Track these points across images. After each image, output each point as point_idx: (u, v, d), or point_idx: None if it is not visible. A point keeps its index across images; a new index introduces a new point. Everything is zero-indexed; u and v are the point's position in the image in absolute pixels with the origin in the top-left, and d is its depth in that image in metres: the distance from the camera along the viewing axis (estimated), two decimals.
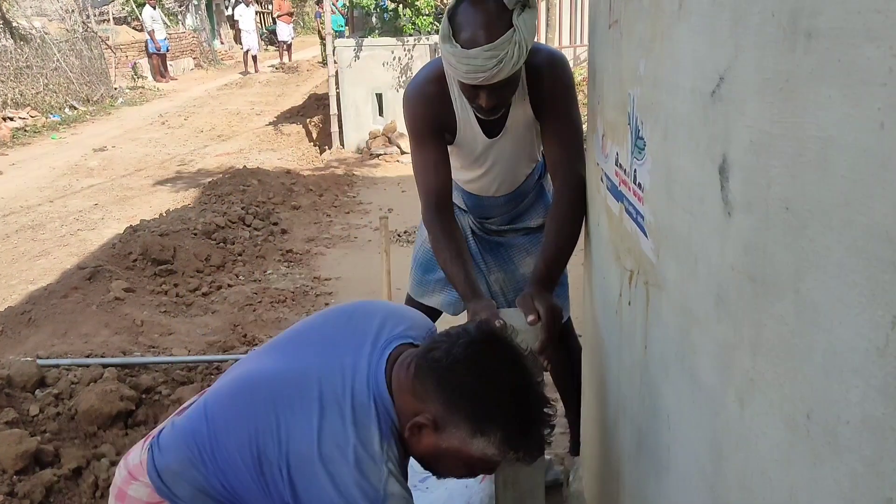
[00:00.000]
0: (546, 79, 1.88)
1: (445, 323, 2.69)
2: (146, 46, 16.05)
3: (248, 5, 17.99)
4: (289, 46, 18.99)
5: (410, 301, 2.41)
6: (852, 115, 0.58)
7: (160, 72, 16.23)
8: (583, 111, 1.96)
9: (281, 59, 18.78)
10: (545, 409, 1.25)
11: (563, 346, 2.29)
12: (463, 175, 2.13)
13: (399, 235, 5.50)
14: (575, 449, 2.51)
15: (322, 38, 18.91)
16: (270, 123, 10.75)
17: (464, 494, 2.19)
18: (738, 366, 0.83)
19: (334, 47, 8.91)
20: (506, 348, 1.27)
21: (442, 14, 8.77)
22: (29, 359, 3.14)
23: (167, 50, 16.30)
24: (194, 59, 18.44)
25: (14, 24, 12.09)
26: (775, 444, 0.74)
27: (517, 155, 2.05)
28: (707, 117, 0.90)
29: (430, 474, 2.24)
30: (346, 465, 1.21)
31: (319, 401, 1.25)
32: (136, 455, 1.38)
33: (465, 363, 1.22)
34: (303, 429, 1.24)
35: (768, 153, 0.72)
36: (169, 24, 17.21)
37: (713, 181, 0.87)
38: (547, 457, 2.38)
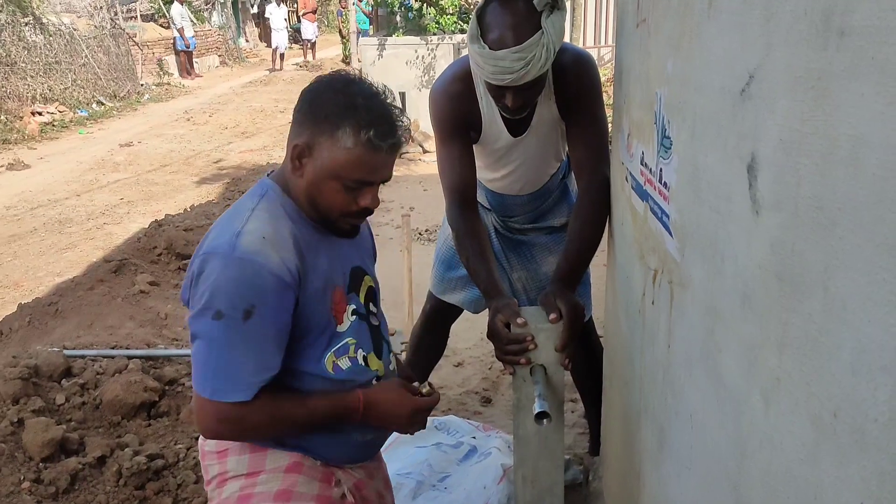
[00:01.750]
0: (573, 78, 1.88)
1: (467, 321, 2.71)
2: (174, 43, 16.22)
3: (279, 4, 18.11)
4: (313, 45, 19.08)
5: (432, 298, 2.42)
6: (885, 113, 0.58)
7: (186, 69, 16.39)
8: (608, 112, 1.95)
9: (305, 57, 18.87)
10: (394, 112, 1.35)
11: (584, 345, 2.29)
12: (487, 174, 2.13)
13: (420, 234, 5.51)
14: (594, 449, 2.51)
15: (343, 37, 19.06)
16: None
17: (483, 495, 2.19)
18: (763, 364, 0.83)
19: (358, 46, 8.95)
20: (349, 74, 1.39)
21: (466, 13, 8.80)
22: (56, 349, 3.19)
23: (194, 47, 16.46)
24: (219, 56, 18.59)
25: (44, 20, 12.27)
26: (801, 443, 0.74)
27: (542, 154, 2.05)
28: (736, 116, 0.90)
29: (450, 474, 2.28)
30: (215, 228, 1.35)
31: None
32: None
33: (322, 85, 1.35)
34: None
35: (798, 151, 0.72)
36: (196, 21, 17.36)
37: (741, 180, 0.87)
38: (566, 456, 2.38)
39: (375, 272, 1.60)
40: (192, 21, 16.49)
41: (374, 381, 1.46)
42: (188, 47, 16.12)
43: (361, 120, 1.29)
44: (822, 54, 0.67)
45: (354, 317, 1.44)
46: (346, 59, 17.31)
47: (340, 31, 18.88)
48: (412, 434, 1.52)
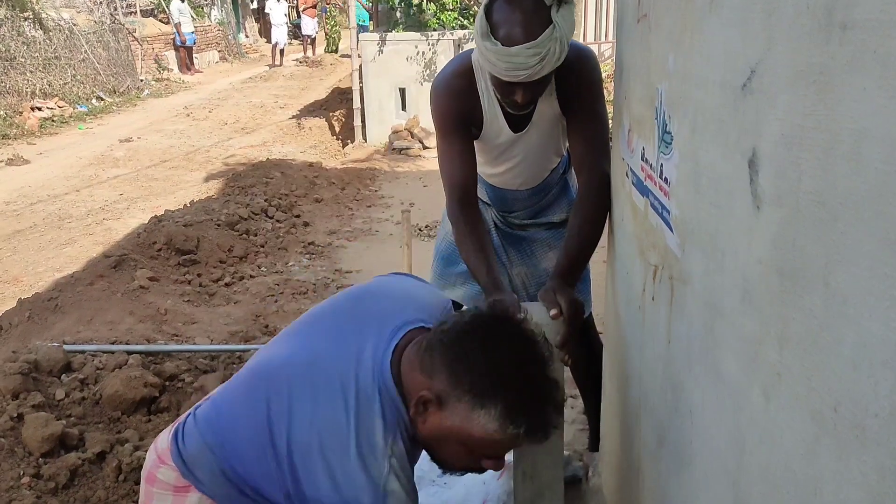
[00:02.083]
0: (574, 74, 1.87)
1: None
2: (173, 39, 16.20)
3: (279, 0, 18.09)
4: (313, 41, 19.06)
5: None
6: (888, 107, 0.57)
7: (186, 64, 16.37)
8: (609, 108, 1.95)
9: (305, 52, 18.86)
10: (552, 389, 1.20)
11: (583, 342, 2.29)
12: (487, 169, 2.13)
13: (420, 230, 5.51)
14: (594, 445, 2.51)
15: (327, 34, 19.02)
16: (294, 117, 10.81)
17: (482, 491, 2.19)
18: (763, 360, 0.83)
19: (358, 41, 8.94)
20: (516, 326, 1.23)
21: (467, 9, 8.78)
22: (55, 344, 3.19)
23: (193, 43, 16.43)
24: (219, 52, 18.58)
25: (43, 15, 12.25)
26: (801, 438, 0.74)
27: (543, 149, 2.05)
28: (737, 111, 0.89)
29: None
30: (346, 456, 1.19)
31: (326, 389, 1.24)
32: (165, 440, 1.40)
33: (472, 334, 1.19)
34: (306, 417, 1.23)
35: (800, 146, 0.72)
36: (196, 17, 17.34)
37: (742, 175, 0.87)
38: (566, 452, 2.38)
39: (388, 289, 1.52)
40: (191, 17, 16.47)
41: None
42: (185, 43, 16.10)
43: (512, 412, 1.13)
44: (825, 48, 0.67)
45: None
46: (305, 59, 17.32)
47: (326, 31, 18.90)
48: None
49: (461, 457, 1.23)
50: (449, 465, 1.29)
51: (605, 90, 2.02)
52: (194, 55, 16.74)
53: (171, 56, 16.39)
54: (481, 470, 1.27)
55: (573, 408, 2.93)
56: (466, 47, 7.87)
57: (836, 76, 0.65)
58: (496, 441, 1.17)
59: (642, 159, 1.46)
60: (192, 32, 16.28)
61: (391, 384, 1.24)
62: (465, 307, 2.40)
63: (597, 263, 2.04)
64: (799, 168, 0.72)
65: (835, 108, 0.65)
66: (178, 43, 16.11)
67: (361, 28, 10.94)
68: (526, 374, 1.17)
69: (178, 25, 15.80)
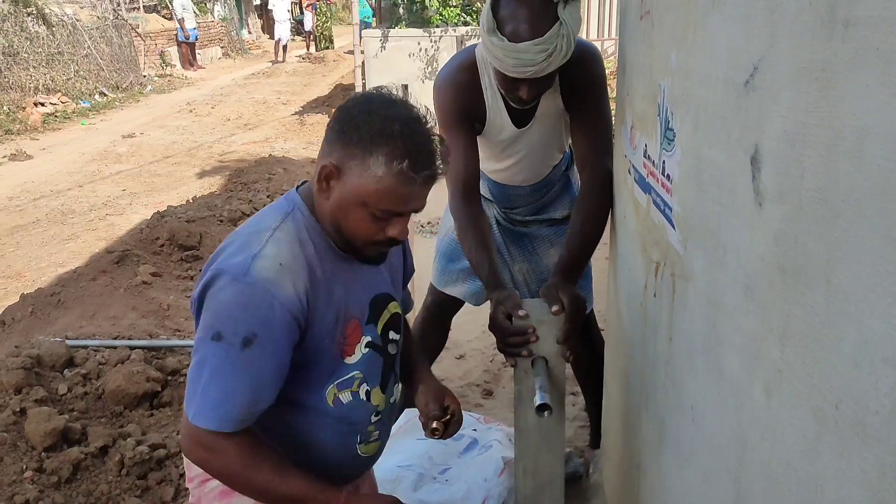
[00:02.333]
0: (578, 71, 1.87)
1: (468, 313, 2.71)
2: (176, 35, 16.20)
3: None
4: (315, 38, 19.05)
5: (434, 290, 2.42)
6: (890, 104, 0.57)
7: (189, 60, 16.36)
8: (612, 105, 1.95)
9: (308, 48, 18.84)
10: (432, 137, 1.26)
11: (584, 338, 2.29)
12: (490, 164, 2.13)
13: (422, 226, 5.51)
14: (595, 442, 2.51)
15: (315, 34, 18.97)
16: (296, 113, 10.81)
17: (483, 488, 2.19)
18: (765, 357, 0.83)
19: (361, 37, 8.93)
20: (393, 96, 1.29)
21: (470, 5, 8.75)
22: (58, 339, 3.20)
23: (196, 39, 16.42)
24: (222, 48, 18.56)
25: (46, 10, 12.25)
26: (802, 435, 0.74)
27: (545, 145, 2.05)
28: (740, 107, 0.89)
29: (450, 467, 2.28)
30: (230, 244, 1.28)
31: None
32: None
33: (357, 105, 1.26)
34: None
35: (802, 143, 0.72)
36: (198, 13, 17.33)
37: (744, 172, 0.87)
38: (567, 449, 2.38)
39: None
40: (194, 12, 16.45)
41: (372, 417, 1.41)
42: (188, 39, 16.09)
43: (396, 149, 1.20)
44: (827, 45, 0.67)
45: (368, 349, 1.38)
46: (316, 52, 17.28)
47: (310, 33, 18.85)
48: None
49: (364, 223, 1.26)
50: (355, 238, 1.30)
51: (609, 87, 2.02)
52: (197, 51, 16.73)
53: (173, 52, 16.38)
54: (387, 242, 1.30)
55: (574, 405, 2.94)
56: (469, 44, 7.83)
57: (838, 73, 0.65)
58: (389, 188, 1.22)
59: (644, 156, 1.46)
60: (195, 28, 16.27)
61: (300, 201, 1.32)
62: (465, 304, 2.42)
63: (598, 260, 2.04)
64: (801, 165, 0.72)
65: (837, 104, 0.65)
66: (182, 38, 16.10)
67: (364, 24, 10.91)
68: (408, 126, 1.23)
69: (181, 21, 15.79)
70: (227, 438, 1.23)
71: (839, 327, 0.66)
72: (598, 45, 10.62)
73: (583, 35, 10.91)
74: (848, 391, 0.65)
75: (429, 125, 1.27)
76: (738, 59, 0.90)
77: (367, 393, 1.38)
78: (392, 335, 1.44)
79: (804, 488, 0.74)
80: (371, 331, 1.38)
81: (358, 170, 1.22)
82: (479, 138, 2.00)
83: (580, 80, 1.88)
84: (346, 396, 1.36)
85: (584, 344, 2.30)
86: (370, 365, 1.38)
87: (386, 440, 1.53)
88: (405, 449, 2.34)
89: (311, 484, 1.28)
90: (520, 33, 1.67)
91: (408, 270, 1.58)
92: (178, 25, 15.95)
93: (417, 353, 1.64)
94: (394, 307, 1.45)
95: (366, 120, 1.22)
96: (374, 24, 10.19)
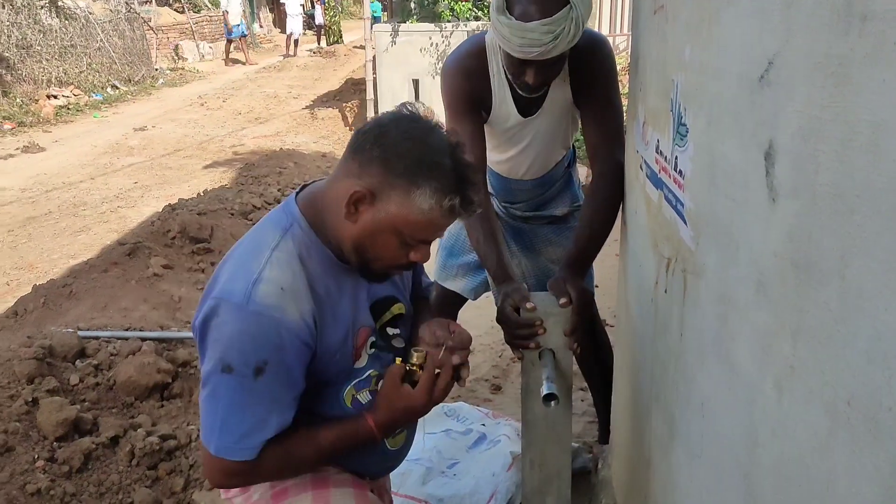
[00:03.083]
0: (588, 62, 1.86)
1: (476, 308, 2.71)
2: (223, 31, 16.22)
3: None
4: (326, 31, 19.06)
5: (437, 286, 2.42)
6: None
7: (229, 57, 16.28)
8: (624, 100, 1.94)
9: (319, 42, 18.86)
10: (471, 169, 1.24)
11: (589, 332, 2.28)
12: (494, 155, 2.11)
13: None
14: (603, 437, 2.51)
15: (328, 27, 18.95)
16: (307, 107, 10.83)
17: (491, 482, 2.20)
18: (777, 353, 0.82)
19: (372, 31, 8.93)
20: (427, 121, 1.27)
21: (480, 0, 8.72)
22: (70, 330, 3.22)
23: (239, 35, 16.20)
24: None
25: (60, 3, 12.31)
26: (814, 432, 0.74)
27: (551, 137, 2.04)
28: (754, 103, 0.89)
29: (459, 461, 2.28)
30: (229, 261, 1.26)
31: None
32: None
33: (395, 129, 1.22)
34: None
35: (817, 138, 0.72)
36: (210, 6, 17.36)
37: (758, 167, 0.87)
38: (575, 444, 2.38)
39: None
40: (240, 6, 16.19)
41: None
42: (231, 33, 15.99)
43: (446, 185, 1.18)
44: (844, 40, 0.66)
45: (373, 350, 1.38)
46: (319, 49, 17.29)
47: (320, 27, 18.83)
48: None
49: (392, 249, 1.25)
50: (376, 262, 1.28)
51: (619, 82, 2.01)
52: (247, 46, 16.50)
53: (185, 45, 16.42)
54: (408, 266, 1.30)
55: (583, 400, 2.94)
56: None
57: (854, 68, 0.65)
58: (431, 220, 1.21)
59: (657, 151, 1.45)
60: (239, 25, 15.95)
61: (300, 217, 1.28)
62: (467, 300, 2.41)
63: (608, 256, 2.03)
64: (816, 160, 0.72)
65: (853, 99, 0.65)
66: (227, 35, 16.06)
67: (375, 19, 10.92)
68: (453, 158, 1.21)
69: (224, 14, 15.70)
70: (255, 460, 1.24)
71: (852, 323, 0.66)
72: (609, 40, 10.57)
73: (594, 30, 10.91)
74: (861, 387, 0.65)
75: (464, 154, 1.25)
76: (752, 54, 0.89)
77: None
78: (390, 330, 1.43)
79: (816, 485, 0.74)
80: (374, 332, 1.39)
81: (399, 199, 1.19)
82: (484, 126, 1.99)
83: (590, 70, 1.87)
84: (364, 396, 1.36)
85: (589, 337, 2.29)
86: (381, 362, 1.39)
87: (414, 431, 1.54)
88: (414, 443, 2.35)
89: (340, 427, 1.30)
90: (529, 13, 1.66)
91: (417, 267, 1.57)
92: (223, 18, 15.94)
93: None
94: (397, 308, 1.45)
95: (409, 149, 1.19)
96: (383, 19, 10.17)
